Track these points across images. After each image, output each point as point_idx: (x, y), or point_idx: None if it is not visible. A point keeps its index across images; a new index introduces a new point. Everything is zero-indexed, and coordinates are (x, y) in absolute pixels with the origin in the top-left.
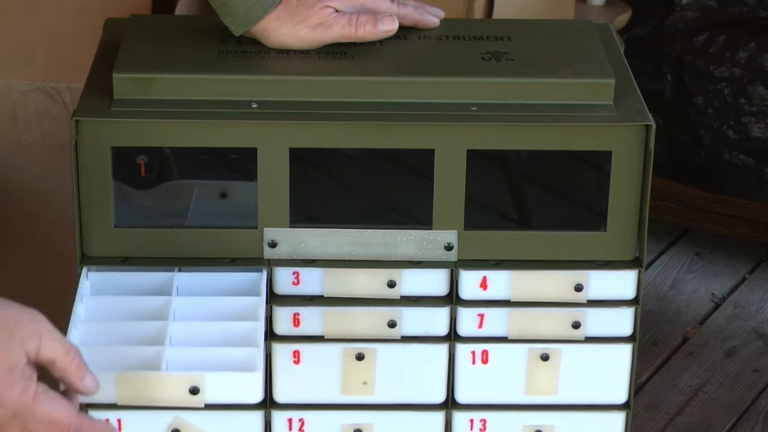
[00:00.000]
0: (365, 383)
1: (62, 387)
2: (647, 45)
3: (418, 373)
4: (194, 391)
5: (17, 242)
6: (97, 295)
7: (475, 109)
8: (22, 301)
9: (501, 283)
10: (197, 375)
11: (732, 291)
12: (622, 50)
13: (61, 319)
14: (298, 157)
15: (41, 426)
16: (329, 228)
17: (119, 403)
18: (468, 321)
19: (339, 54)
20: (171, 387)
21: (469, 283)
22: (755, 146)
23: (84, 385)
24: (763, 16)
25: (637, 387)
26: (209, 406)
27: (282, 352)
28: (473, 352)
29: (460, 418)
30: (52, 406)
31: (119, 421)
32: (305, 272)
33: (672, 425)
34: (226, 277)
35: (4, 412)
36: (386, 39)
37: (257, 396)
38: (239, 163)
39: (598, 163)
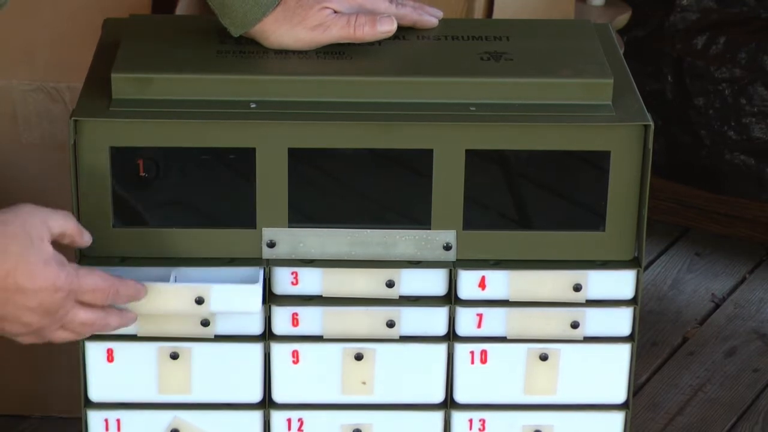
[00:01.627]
0: (364, 383)
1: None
2: (647, 46)
3: (417, 373)
4: (199, 301)
5: None
6: None
7: (473, 109)
8: None
9: (500, 283)
10: (203, 286)
11: (732, 291)
12: (621, 50)
13: None
14: (297, 157)
15: (88, 295)
16: (328, 228)
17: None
18: (467, 321)
19: (338, 54)
20: (178, 297)
21: (468, 283)
22: (756, 146)
23: (85, 239)
24: (763, 16)
25: (637, 387)
26: (209, 406)
27: (281, 352)
28: (472, 352)
29: (459, 418)
30: (93, 276)
31: (118, 421)
32: (304, 272)
33: (672, 425)
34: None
35: (61, 295)
36: (385, 39)
37: (257, 307)
38: (238, 163)
39: (596, 162)
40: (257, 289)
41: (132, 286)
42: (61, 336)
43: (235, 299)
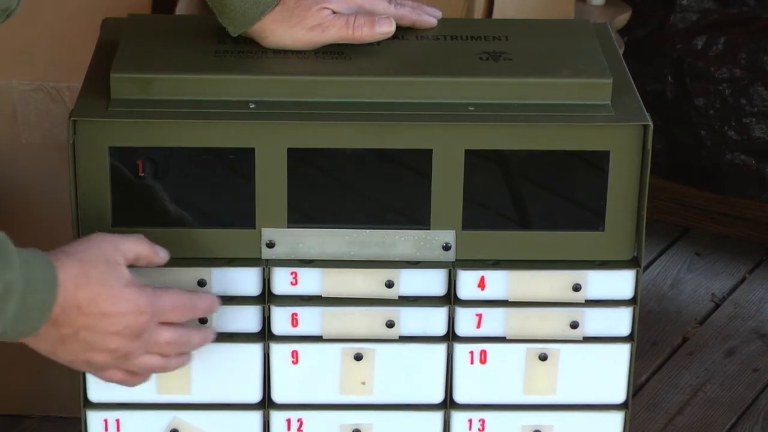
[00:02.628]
0: (364, 383)
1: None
2: (647, 46)
3: (416, 373)
4: (202, 283)
5: (17, 241)
6: None
7: (472, 109)
8: None
9: (499, 283)
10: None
11: (732, 291)
12: (621, 51)
13: None
14: (297, 157)
15: (169, 314)
16: (327, 228)
17: None
18: (466, 321)
19: (336, 54)
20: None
21: (467, 283)
22: (756, 146)
23: (160, 257)
24: (763, 16)
25: (637, 387)
26: (209, 406)
27: (280, 352)
28: (471, 352)
29: (458, 418)
30: (172, 294)
31: (118, 421)
32: (303, 272)
33: (672, 425)
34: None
35: (145, 318)
36: (384, 39)
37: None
38: (237, 163)
39: (596, 162)
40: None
41: (207, 298)
42: (147, 362)
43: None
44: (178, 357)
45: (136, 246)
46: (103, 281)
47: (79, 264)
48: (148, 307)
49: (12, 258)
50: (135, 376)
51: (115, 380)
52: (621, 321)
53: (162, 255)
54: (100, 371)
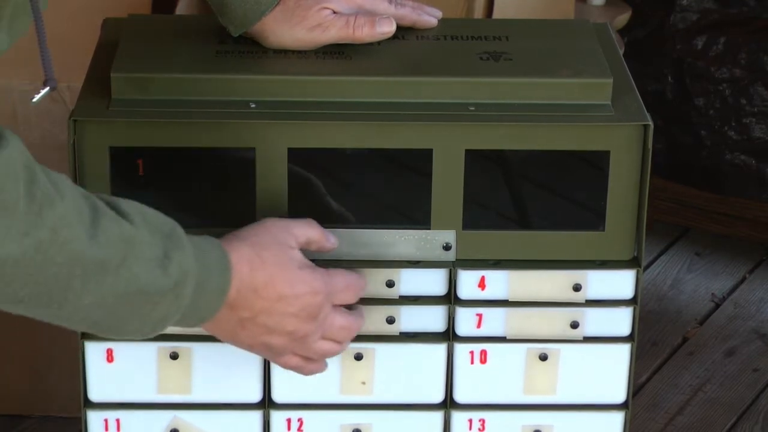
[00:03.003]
0: (364, 383)
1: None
2: (647, 46)
3: (416, 373)
4: None
5: None
6: None
7: (473, 108)
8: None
9: (499, 282)
10: None
11: (732, 291)
12: (621, 51)
13: None
14: (297, 156)
15: (341, 294)
16: (328, 228)
17: None
18: (466, 321)
19: (337, 54)
20: None
21: (468, 283)
22: (756, 146)
23: (331, 242)
24: (763, 16)
25: (637, 387)
26: (209, 406)
27: None
28: (472, 352)
29: (458, 418)
30: (343, 274)
31: (118, 421)
32: None
33: (672, 425)
34: None
35: (321, 297)
36: (384, 39)
37: None
38: (238, 163)
39: (596, 162)
40: None
41: (356, 278)
42: (323, 348)
43: None
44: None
45: (307, 230)
46: (277, 263)
47: (251, 247)
48: (323, 288)
49: (185, 244)
50: (311, 362)
51: (292, 366)
52: (621, 321)
53: (332, 241)
54: (278, 356)
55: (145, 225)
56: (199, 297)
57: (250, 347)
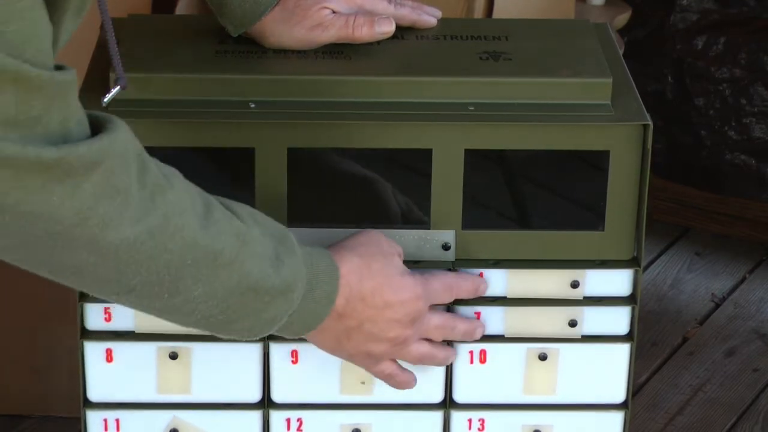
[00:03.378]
0: (363, 383)
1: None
2: (647, 46)
3: (415, 372)
4: None
5: None
6: None
7: (472, 108)
8: (21, 300)
9: (498, 281)
10: None
11: (732, 291)
12: (621, 51)
13: (62, 316)
14: (297, 157)
15: (438, 295)
16: (327, 228)
17: None
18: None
19: (337, 54)
20: None
21: None
22: (756, 146)
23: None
24: (763, 16)
25: (637, 387)
26: (209, 406)
27: (280, 351)
28: (471, 352)
29: (458, 418)
30: (438, 277)
31: (117, 421)
32: None
33: (672, 425)
34: None
35: (422, 302)
36: (384, 39)
37: None
38: (237, 163)
39: (595, 162)
40: None
41: (471, 279)
42: (420, 351)
43: None
44: (446, 349)
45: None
46: (384, 272)
47: (360, 258)
48: (424, 293)
49: (296, 250)
50: (404, 373)
51: (389, 373)
52: (620, 321)
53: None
54: (376, 363)
55: (257, 226)
56: (306, 304)
57: (350, 356)
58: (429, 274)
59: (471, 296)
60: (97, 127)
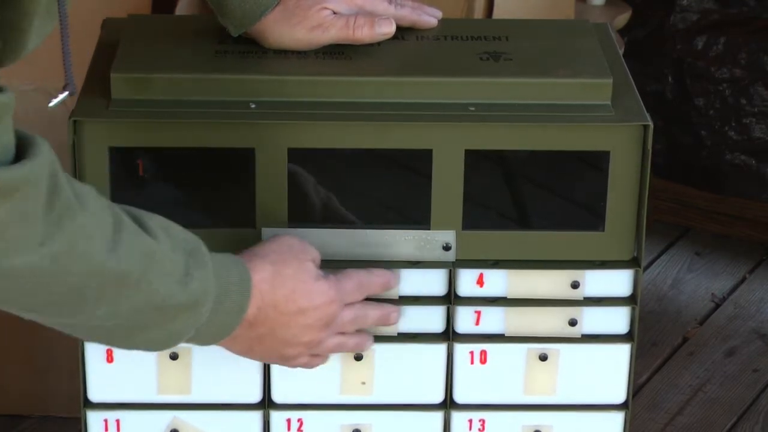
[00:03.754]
0: (364, 383)
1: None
2: (647, 46)
3: (416, 373)
4: None
5: None
6: None
7: (473, 109)
8: None
9: (498, 280)
10: None
11: (732, 291)
12: (621, 51)
13: None
14: (297, 157)
15: (353, 295)
16: (327, 228)
17: None
18: (465, 318)
19: (337, 54)
20: None
21: (467, 282)
22: (756, 146)
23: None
24: (763, 16)
25: (637, 387)
26: (209, 406)
27: None
28: (471, 352)
29: (458, 418)
30: (350, 276)
31: (118, 421)
32: None
33: (672, 425)
34: None
35: (336, 305)
36: (384, 39)
37: None
38: (237, 163)
39: (596, 163)
40: None
41: (382, 274)
42: (331, 344)
43: None
44: (357, 336)
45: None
46: (296, 278)
47: (272, 265)
48: (337, 295)
49: (206, 261)
50: (317, 357)
51: (301, 365)
52: (621, 321)
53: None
54: (290, 361)
55: (168, 240)
56: (216, 316)
57: (263, 359)
58: (341, 274)
59: (383, 291)
60: (20, 151)
